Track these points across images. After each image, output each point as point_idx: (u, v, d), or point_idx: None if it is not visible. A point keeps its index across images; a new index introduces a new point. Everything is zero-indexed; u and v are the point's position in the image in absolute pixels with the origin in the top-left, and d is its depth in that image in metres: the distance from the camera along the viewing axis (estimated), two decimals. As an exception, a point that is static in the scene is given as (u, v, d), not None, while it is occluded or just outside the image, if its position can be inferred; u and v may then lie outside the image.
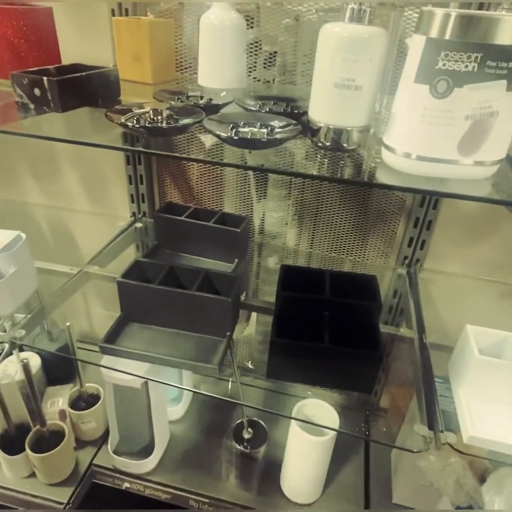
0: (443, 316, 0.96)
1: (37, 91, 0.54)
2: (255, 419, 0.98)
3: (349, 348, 0.59)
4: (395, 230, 0.94)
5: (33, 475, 0.98)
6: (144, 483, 0.98)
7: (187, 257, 0.90)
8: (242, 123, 0.50)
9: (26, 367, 0.83)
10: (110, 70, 0.62)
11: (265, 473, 0.97)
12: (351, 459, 1.05)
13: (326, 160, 0.50)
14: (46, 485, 0.97)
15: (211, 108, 0.58)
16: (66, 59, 0.76)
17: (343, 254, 1.02)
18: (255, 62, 0.86)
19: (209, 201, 1.05)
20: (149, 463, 0.99)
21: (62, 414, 1.01)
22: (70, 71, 0.61)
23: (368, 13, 0.42)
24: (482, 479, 0.80)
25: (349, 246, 1.00)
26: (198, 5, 0.86)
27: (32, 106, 0.56)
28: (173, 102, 0.58)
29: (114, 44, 0.85)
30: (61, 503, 0.94)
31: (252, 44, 0.84)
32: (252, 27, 0.84)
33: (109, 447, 1.00)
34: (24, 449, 0.93)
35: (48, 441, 0.95)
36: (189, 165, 1.02)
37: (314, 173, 0.47)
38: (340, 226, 0.99)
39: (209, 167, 1.00)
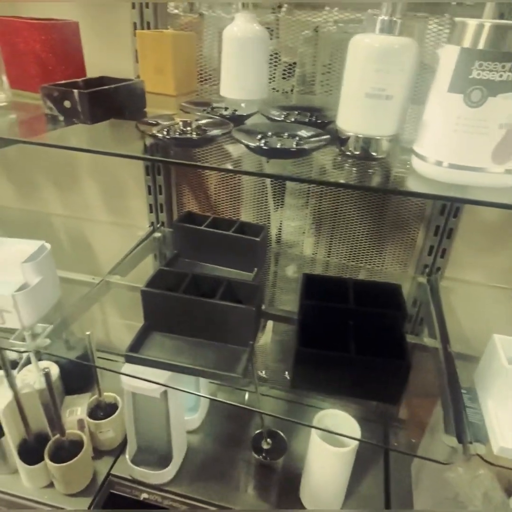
0: (464, 325, 0.95)
1: (67, 104, 0.55)
2: (274, 429, 0.98)
3: (376, 357, 0.58)
4: (415, 238, 0.93)
5: (51, 485, 0.98)
6: (162, 494, 0.98)
7: (207, 266, 0.90)
8: (270, 133, 0.51)
9: (47, 376, 0.84)
10: (136, 82, 0.63)
11: (284, 484, 0.96)
12: (371, 470, 1.03)
13: (354, 168, 0.50)
14: (64, 496, 0.97)
15: (237, 119, 0.59)
16: (90, 71, 0.78)
17: (361, 263, 1.01)
18: (274, 73, 0.86)
19: (226, 210, 1.05)
20: (167, 474, 0.98)
21: (81, 424, 1.01)
22: (97, 83, 0.62)
23: (399, 24, 0.42)
24: (509, 492, 0.79)
25: (367, 254, 1.00)
26: (217, 17, 0.88)
27: (61, 118, 0.57)
28: (199, 113, 0.59)
29: (136, 56, 0.88)
30: (79, 514, 0.93)
31: (271, 55, 0.85)
32: (271, 39, 0.85)
33: (127, 456, 1.00)
34: (42, 459, 0.93)
35: (67, 450, 0.95)
36: (207, 175, 1.02)
37: (344, 182, 0.47)
38: (358, 234, 0.98)
39: (227, 177, 1.01)
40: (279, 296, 1.13)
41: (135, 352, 0.67)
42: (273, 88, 0.88)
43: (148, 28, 0.86)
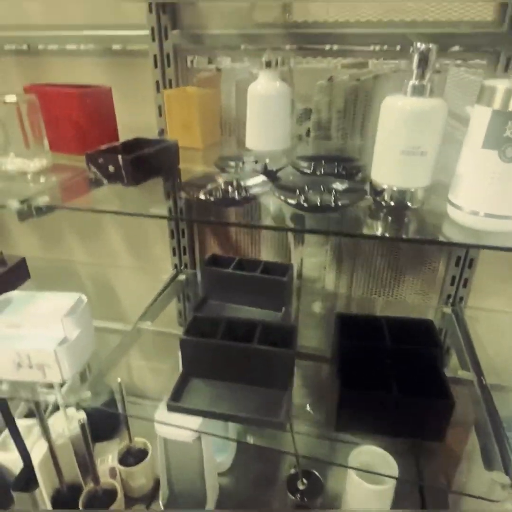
0: (491, 354, 0.95)
1: (111, 168, 0.58)
2: (309, 469, 0.97)
3: (420, 397, 0.59)
4: (436, 269, 0.96)
5: (84, 536, 0.96)
6: (199, 540, 0.96)
7: (235, 307, 0.92)
8: (307, 188, 0.54)
9: (84, 428, 0.84)
10: (172, 143, 0.67)
11: (323, 525, 0.95)
12: (407, 506, 1.01)
13: (390, 218, 0.52)
14: (100, 546, 0.95)
15: (270, 173, 0.62)
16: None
17: (383, 295, 1.03)
18: (289, 118, 0.91)
19: (247, 248, 1.08)
20: (203, 519, 0.97)
21: (113, 472, 1.00)
22: (134, 146, 0.66)
23: (429, 87, 0.46)
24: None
25: (389, 286, 1.02)
26: (233, 72, 0.93)
27: (105, 181, 0.60)
28: (233, 169, 0.62)
29: (159, 111, 0.92)
30: None
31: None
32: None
33: (160, 502, 0.99)
34: (75, 509, 0.92)
35: (101, 499, 0.95)
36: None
37: (382, 235, 0.50)
38: (379, 267, 1.01)
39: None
40: (302, 332, 1.14)
41: (176, 401, 0.68)
42: (289, 132, 0.92)
43: (170, 85, 0.91)
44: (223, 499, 1.04)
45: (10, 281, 0.90)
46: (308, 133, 0.93)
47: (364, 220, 0.53)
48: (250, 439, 1.05)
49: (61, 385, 0.73)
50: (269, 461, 1.11)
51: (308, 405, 0.83)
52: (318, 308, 1.00)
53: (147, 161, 0.60)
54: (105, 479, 0.98)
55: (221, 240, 1.10)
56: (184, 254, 1.11)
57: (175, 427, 0.79)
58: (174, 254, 1.11)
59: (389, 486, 0.83)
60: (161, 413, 0.87)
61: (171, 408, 0.67)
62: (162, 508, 0.98)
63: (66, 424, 1.00)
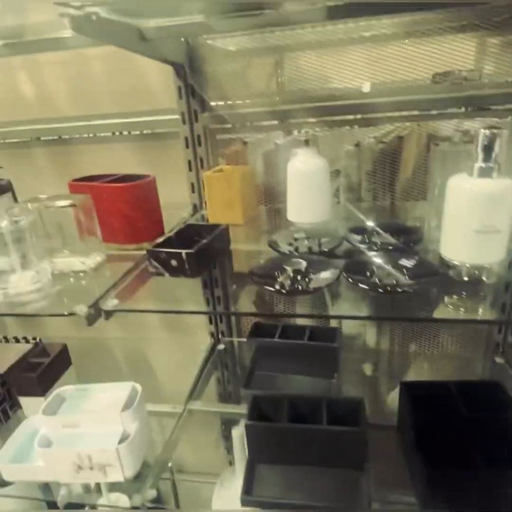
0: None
1: (174, 262, 0.59)
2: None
3: (508, 470, 0.57)
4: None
5: None
6: None
7: (284, 377, 0.90)
8: (376, 269, 0.54)
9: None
10: (224, 228, 0.68)
11: None
12: None
13: (464, 293, 0.52)
14: None
15: (327, 253, 0.62)
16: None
17: (427, 348, 1.02)
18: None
19: (283, 308, 1.07)
20: None
21: None
22: (187, 233, 0.67)
23: (497, 169, 0.47)
24: None
25: (432, 339, 1.00)
26: (259, 144, 0.96)
27: (167, 275, 0.60)
28: (288, 248, 0.63)
29: (192, 188, 0.95)
30: None
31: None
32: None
33: None
34: None
35: None
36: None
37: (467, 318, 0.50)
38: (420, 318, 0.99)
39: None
40: (348, 390, 1.11)
41: (249, 495, 0.65)
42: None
43: (201, 163, 0.93)
44: None
45: (54, 370, 0.88)
46: (337, 193, 0.95)
47: (437, 299, 0.53)
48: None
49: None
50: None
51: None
52: (369, 370, 0.98)
53: (206, 251, 0.60)
54: None
55: (259, 306, 1.09)
56: (221, 321, 1.10)
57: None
58: (210, 322, 1.09)
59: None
60: (217, 499, 0.83)
61: (245, 503, 0.64)
62: None
63: None
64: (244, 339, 1.09)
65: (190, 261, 0.58)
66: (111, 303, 0.56)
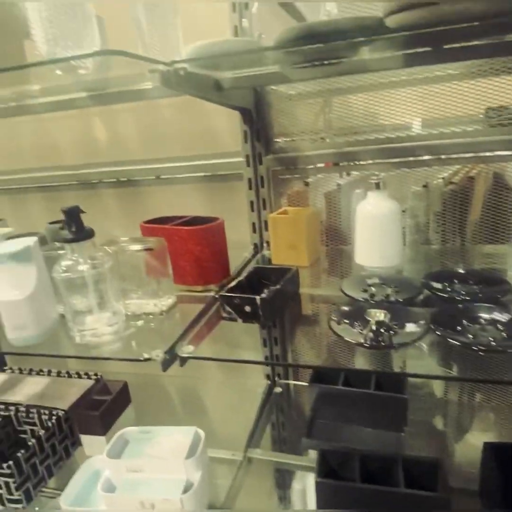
0: None
1: (247, 308, 0.58)
2: None
3: None
4: None
5: None
6: None
7: (349, 427, 0.85)
8: (467, 322, 0.50)
9: None
10: (294, 271, 0.67)
11: None
12: None
13: None
14: None
15: (407, 301, 0.59)
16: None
17: (496, 399, 0.94)
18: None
19: (348, 358, 1.03)
20: None
21: None
22: (257, 276, 0.66)
23: None
24: None
25: (509, 392, 0.92)
26: (321, 184, 0.96)
27: (240, 321, 0.60)
28: (364, 295, 0.60)
29: (253, 228, 0.95)
30: None
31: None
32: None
33: None
34: None
35: None
36: (317, 324, 1.02)
37: None
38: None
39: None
40: (416, 444, 1.04)
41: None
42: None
43: (264, 204, 0.94)
44: None
45: (116, 408, 0.88)
46: (404, 235, 0.92)
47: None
48: None
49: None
50: None
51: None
52: (439, 423, 0.91)
53: (280, 296, 0.59)
54: None
55: (315, 348, 1.06)
56: (275, 344, 1.07)
57: None
58: (265, 344, 1.07)
59: None
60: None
61: None
62: None
63: None
64: (302, 382, 1.06)
65: (264, 307, 0.57)
66: (187, 349, 0.55)
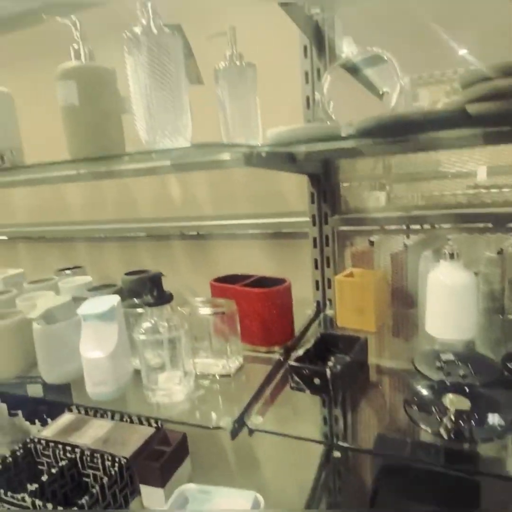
0: None
1: (317, 381, 0.58)
2: None
3: None
4: None
5: None
6: None
7: (415, 506, 0.80)
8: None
9: None
10: (364, 340, 0.66)
11: None
12: None
13: None
14: None
15: (487, 385, 0.56)
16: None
17: None
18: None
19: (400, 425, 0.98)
20: None
21: None
22: (324, 343, 0.66)
23: None
24: None
25: None
26: (387, 245, 0.95)
27: (308, 392, 0.59)
28: (442, 379, 0.58)
29: (316, 285, 0.96)
30: None
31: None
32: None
33: None
34: None
35: None
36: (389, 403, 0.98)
37: None
38: None
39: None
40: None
41: None
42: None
43: (328, 262, 0.94)
44: None
45: (175, 460, 0.89)
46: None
47: None
48: None
49: None
50: None
51: None
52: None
53: (349, 368, 0.59)
54: None
55: (374, 413, 1.01)
56: (336, 423, 1.03)
57: None
58: (325, 423, 1.04)
59: None
60: None
61: None
62: None
63: None
64: (362, 447, 1.01)
65: (334, 381, 0.57)
66: (256, 421, 0.56)
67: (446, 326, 0.71)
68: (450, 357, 0.63)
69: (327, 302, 0.96)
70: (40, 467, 0.96)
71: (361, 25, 0.84)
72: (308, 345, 0.66)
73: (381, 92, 0.83)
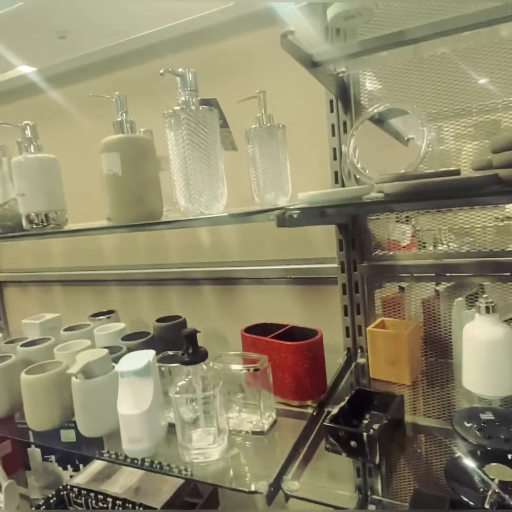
0: None
1: (353, 443, 0.57)
2: None
3: None
4: None
5: None
6: None
7: None
8: None
9: None
10: (399, 398, 0.65)
11: None
12: None
13: None
14: None
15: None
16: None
17: None
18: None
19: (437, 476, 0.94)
20: None
21: None
22: (358, 399, 0.65)
23: None
24: None
25: None
26: (417, 290, 0.94)
27: (343, 455, 0.58)
28: (483, 444, 0.56)
29: (345, 332, 0.95)
30: None
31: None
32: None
33: None
34: None
35: None
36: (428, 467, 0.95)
37: None
38: None
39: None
40: None
41: None
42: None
43: (358, 309, 0.94)
44: None
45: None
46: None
47: None
48: None
49: None
50: None
51: None
52: None
53: (387, 430, 0.58)
54: None
55: (412, 466, 0.98)
56: (369, 476, 1.00)
57: None
58: (358, 474, 1.01)
59: None
60: None
61: None
62: None
63: None
64: (400, 503, 0.98)
65: (371, 444, 0.56)
66: (292, 486, 0.55)
67: (483, 382, 0.69)
68: (490, 416, 0.61)
69: (358, 350, 0.96)
70: (71, 515, 0.96)
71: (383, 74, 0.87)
72: (343, 402, 0.65)
73: (406, 139, 0.85)
